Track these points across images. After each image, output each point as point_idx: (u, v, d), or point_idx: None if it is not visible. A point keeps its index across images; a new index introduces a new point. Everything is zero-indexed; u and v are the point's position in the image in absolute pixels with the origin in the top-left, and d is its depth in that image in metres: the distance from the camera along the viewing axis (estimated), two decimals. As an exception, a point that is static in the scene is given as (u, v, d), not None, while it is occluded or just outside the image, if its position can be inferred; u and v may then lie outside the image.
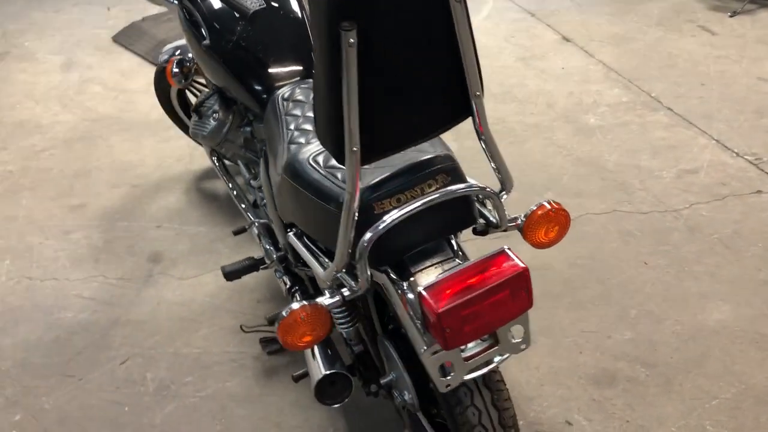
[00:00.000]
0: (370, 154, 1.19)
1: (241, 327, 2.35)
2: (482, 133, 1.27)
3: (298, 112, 1.82)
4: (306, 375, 1.74)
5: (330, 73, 1.06)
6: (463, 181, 1.35)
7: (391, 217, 1.27)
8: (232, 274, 2.15)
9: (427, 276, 1.36)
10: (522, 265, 1.24)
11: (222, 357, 2.32)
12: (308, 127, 1.74)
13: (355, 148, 1.13)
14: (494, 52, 4.26)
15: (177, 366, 2.30)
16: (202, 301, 2.57)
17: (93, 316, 2.54)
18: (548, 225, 1.46)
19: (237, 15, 2.02)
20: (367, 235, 1.26)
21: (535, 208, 1.46)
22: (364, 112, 1.11)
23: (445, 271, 1.30)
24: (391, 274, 1.39)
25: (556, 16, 4.75)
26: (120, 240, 2.92)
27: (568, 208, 1.49)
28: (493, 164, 1.34)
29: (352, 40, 1.03)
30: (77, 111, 3.98)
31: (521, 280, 1.22)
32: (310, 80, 1.94)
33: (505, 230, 1.47)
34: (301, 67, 1.98)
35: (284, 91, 1.90)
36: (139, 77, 4.30)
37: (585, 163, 3.18)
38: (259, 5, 2.03)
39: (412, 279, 1.37)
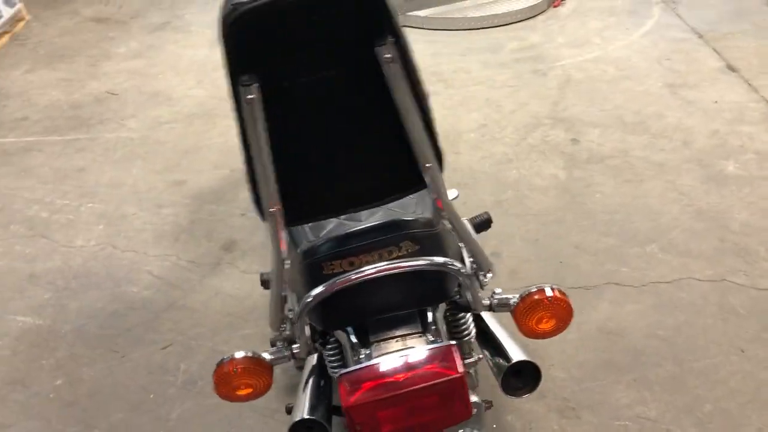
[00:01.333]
0: (297, 216, 1.06)
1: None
2: (443, 211, 1.08)
3: None
4: None
5: (241, 129, 0.95)
6: (436, 252, 1.17)
7: (330, 283, 1.13)
8: (267, 282, 2.10)
9: (386, 347, 1.21)
10: (459, 370, 1.04)
11: (254, 362, 2.28)
12: None
13: (272, 209, 1.01)
14: (640, 74, 3.85)
15: (210, 362, 2.30)
16: (256, 299, 2.55)
17: (154, 295, 2.61)
18: (543, 313, 1.23)
19: None
20: (306, 298, 1.13)
21: (532, 291, 1.24)
22: (284, 174, 0.98)
23: (395, 352, 1.14)
24: (352, 337, 1.25)
25: (728, 39, 4.21)
26: (203, 222, 2.99)
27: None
28: (462, 245, 1.15)
29: (250, 96, 0.90)
30: (209, 88, 4.13)
31: (453, 388, 1.03)
32: None
33: (491, 310, 1.27)
34: None
35: None
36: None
37: (706, 217, 2.78)
38: None
39: (372, 347, 1.22)
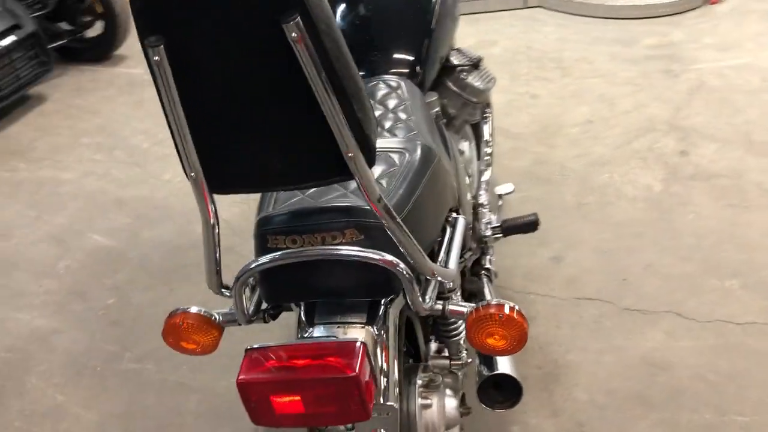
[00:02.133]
0: (221, 184, 1.04)
1: None
2: (369, 203, 1.01)
3: None
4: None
5: (157, 92, 0.94)
6: (382, 246, 1.11)
7: (266, 258, 1.11)
8: None
9: (326, 330, 1.18)
10: (354, 370, 0.99)
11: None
12: None
13: (192, 174, 1.00)
14: (785, 89, 3.43)
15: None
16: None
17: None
18: (495, 329, 1.15)
19: None
20: (242, 270, 1.12)
21: (491, 303, 1.15)
22: (203, 141, 0.96)
23: (324, 336, 1.11)
24: (301, 314, 1.23)
25: None
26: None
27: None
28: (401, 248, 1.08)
29: (155, 58, 0.88)
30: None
31: (346, 387, 0.98)
32: (390, 76, 1.76)
33: (443, 316, 1.19)
34: (386, 60, 1.80)
35: (365, 82, 1.75)
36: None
37: (809, 261, 2.45)
38: None
39: (314, 327, 1.20)
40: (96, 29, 4.23)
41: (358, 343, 1.02)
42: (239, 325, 1.26)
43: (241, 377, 1.00)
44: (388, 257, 1.07)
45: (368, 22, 1.86)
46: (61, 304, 2.46)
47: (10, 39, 3.49)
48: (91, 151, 3.39)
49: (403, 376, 1.44)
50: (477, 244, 1.89)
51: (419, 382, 1.34)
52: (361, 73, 1.76)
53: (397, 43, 1.82)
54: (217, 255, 1.13)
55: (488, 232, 1.96)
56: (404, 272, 1.08)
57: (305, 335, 1.19)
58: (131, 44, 4.34)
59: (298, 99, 0.90)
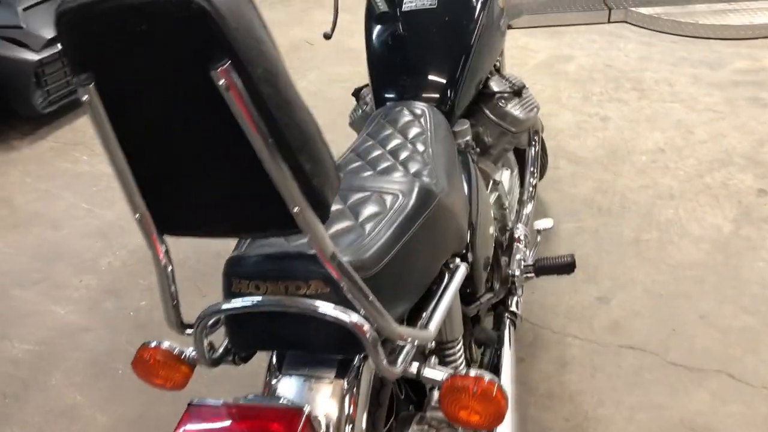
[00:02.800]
0: (170, 226, 0.97)
1: None
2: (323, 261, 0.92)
3: (380, 133, 1.58)
4: None
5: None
6: (346, 301, 1.01)
7: (225, 305, 1.03)
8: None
9: (288, 384, 1.10)
10: None
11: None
12: (370, 155, 1.50)
13: (137, 216, 0.94)
14: None
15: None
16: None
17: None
18: (469, 402, 1.03)
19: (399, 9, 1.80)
20: (203, 312, 1.06)
21: (468, 375, 1.04)
22: (147, 180, 0.90)
23: (268, 400, 1.02)
24: (273, 360, 1.16)
25: None
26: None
27: None
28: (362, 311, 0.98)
29: (85, 97, 0.82)
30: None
31: None
32: (417, 102, 1.66)
33: (418, 379, 1.09)
34: (415, 84, 1.69)
35: (390, 106, 1.66)
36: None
37: None
38: (429, 4, 1.77)
39: (282, 377, 1.12)
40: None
41: (300, 412, 0.93)
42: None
43: (176, 432, 0.93)
44: (350, 316, 0.97)
45: (403, 42, 1.77)
46: (95, 301, 2.50)
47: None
48: (151, 148, 3.45)
49: (398, 425, 1.35)
50: (502, 284, 1.77)
51: None
52: (390, 96, 1.69)
53: (429, 66, 1.72)
54: (173, 294, 1.06)
55: (518, 271, 1.83)
56: (367, 334, 0.98)
57: (273, 383, 1.11)
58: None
59: (238, 149, 0.82)
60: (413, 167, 1.45)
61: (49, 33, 3.43)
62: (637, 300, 2.32)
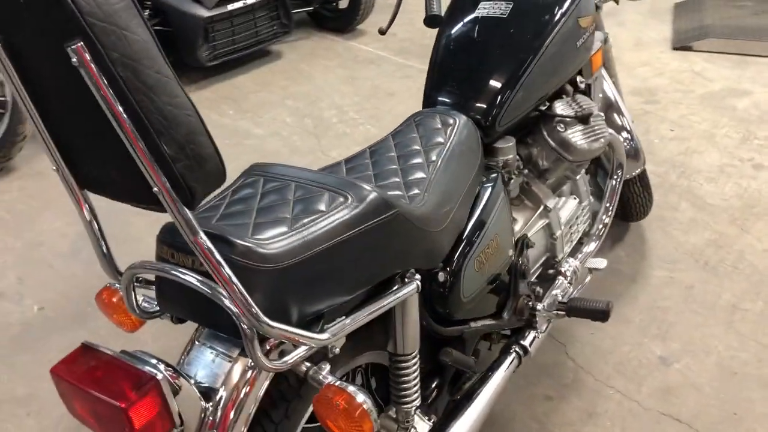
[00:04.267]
0: (85, 183, 1.04)
1: None
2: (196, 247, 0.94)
3: (403, 135, 1.56)
4: None
5: None
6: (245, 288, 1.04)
7: (140, 267, 1.10)
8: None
9: (197, 355, 1.16)
10: (125, 403, 0.94)
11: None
12: (379, 155, 1.50)
13: (53, 167, 1.02)
14: None
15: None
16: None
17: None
18: (332, 413, 1.02)
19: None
20: (128, 267, 1.13)
21: (336, 384, 1.03)
22: (58, 137, 0.98)
23: (139, 359, 1.07)
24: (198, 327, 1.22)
25: None
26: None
27: None
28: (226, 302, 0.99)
29: None
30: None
31: (116, 415, 0.94)
32: (453, 111, 1.61)
33: (303, 381, 1.09)
34: (459, 92, 1.64)
35: (427, 111, 1.63)
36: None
37: None
38: (500, 13, 1.70)
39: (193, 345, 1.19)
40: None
41: (156, 380, 0.98)
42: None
43: (55, 366, 1.03)
44: (226, 302, 0.99)
45: (462, 48, 1.72)
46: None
47: (255, -1, 3.89)
48: (287, 113, 3.65)
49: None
50: (515, 314, 1.69)
51: None
52: (435, 99, 1.66)
53: (479, 77, 1.66)
54: (103, 245, 1.15)
55: (542, 305, 1.74)
56: (243, 321, 1.00)
57: (188, 350, 1.18)
58: (374, 21, 4.54)
59: (107, 123, 0.88)
60: (409, 175, 1.43)
61: (221, -7, 3.76)
62: (704, 371, 2.09)
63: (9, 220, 2.97)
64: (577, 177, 1.94)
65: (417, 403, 1.41)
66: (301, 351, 1.08)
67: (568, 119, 1.73)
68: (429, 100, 1.71)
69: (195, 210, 0.95)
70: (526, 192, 1.81)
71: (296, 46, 4.35)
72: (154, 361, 1.05)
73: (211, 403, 1.12)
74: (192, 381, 1.13)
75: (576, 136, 1.74)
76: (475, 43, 1.71)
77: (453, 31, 1.77)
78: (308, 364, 1.13)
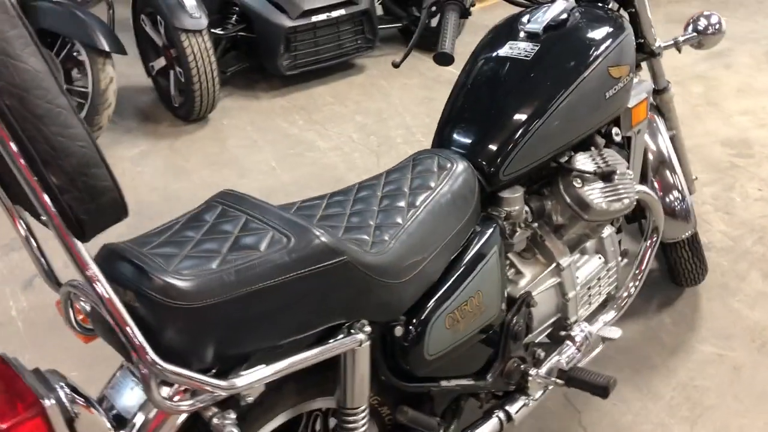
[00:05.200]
0: (13, 199, 1.05)
1: None
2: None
3: (396, 174, 1.49)
4: None
5: None
6: (157, 323, 1.02)
7: (73, 288, 1.09)
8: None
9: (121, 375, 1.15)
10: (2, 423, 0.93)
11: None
12: (361, 193, 1.45)
13: None
14: None
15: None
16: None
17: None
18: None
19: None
20: (65, 284, 1.13)
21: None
22: None
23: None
24: None
25: None
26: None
27: None
28: None
29: None
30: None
31: None
32: (453, 154, 1.52)
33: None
34: (471, 138, 1.56)
35: (427, 152, 1.56)
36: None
37: None
38: (524, 55, 1.60)
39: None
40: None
41: (43, 403, 0.96)
42: None
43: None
44: (124, 337, 0.96)
45: (480, 88, 1.63)
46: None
47: (340, 12, 3.88)
48: (354, 129, 3.63)
49: None
50: (501, 376, 1.57)
51: None
52: (443, 138, 1.57)
53: (491, 121, 1.56)
54: (41, 259, 1.15)
55: (536, 371, 1.61)
56: (138, 362, 0.97)
57: (115, 376, 1.17)
58: (466, 41, 4.44)
59: None
60: (386, 219, 1.35)
61: (307, 4, 3.79)
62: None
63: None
64: (604, 235, 1.78)
65: None
66: (204, 396, 1.04)
67: (587, 175, 1.60)
68: (437, 138, 1.62)
69: (87, 241, 0.93)
70: (539, 246, 1.68)
71: (380, 62, 4.32)
72: (57, 385, 1.03)
73: None
74: (104, 408, 1.11)
75: (594, 194, 1.59)
76: (492, 84, 1.61)
77: (475, 68, 1.68)
78: (215, 409, 1.08)
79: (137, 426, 1.11)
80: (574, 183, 1.60)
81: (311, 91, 4.04)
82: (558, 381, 1.64)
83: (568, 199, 1.61)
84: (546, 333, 1.77)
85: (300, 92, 4.02)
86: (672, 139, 2.19)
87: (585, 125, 1.62)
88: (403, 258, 1.29)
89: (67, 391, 1.03)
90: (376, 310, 1.26)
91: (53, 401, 0.98)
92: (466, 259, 1.44)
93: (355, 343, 1.22)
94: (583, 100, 1.57)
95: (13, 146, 0.84)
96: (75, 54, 3.33)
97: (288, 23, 3.75)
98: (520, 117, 1.54)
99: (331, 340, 1.20)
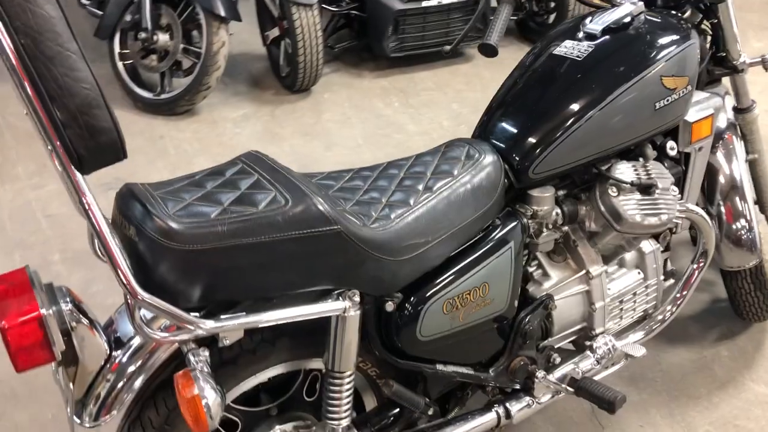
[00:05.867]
0: None
1: None
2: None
3: (426, 157, 1.52)
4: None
5: None
6: (148, 260, 1.13)
7: None
8: None
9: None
10: (5, 323, 1.06)
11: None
12: (386, 171, 1.49)
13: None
14: None
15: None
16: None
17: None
18: (180, 399, 1.06)
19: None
20: None
21: (187, 370, 1.08)
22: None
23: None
24: None
25: None
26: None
27: None
28: None
29: None
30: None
31: None
32: (483, 144, 1.52)
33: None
34: (508, 131, 1.56)
35: (461, 140, 1.56)
36: None
37: None
38: (576, 55, 1.56)
39: None
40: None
41: (41, 311, 1.09)
42: None
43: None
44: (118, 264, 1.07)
45: (529, 83, 1.61)
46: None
47: (452, -1, 3.90)
48: (447, 117, 3.64)
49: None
50: (507, 372, 1.57)
51: None
52: (484, 127, 1.59)
53: (531, 117, 1.55)
54: None
55: (543, 374, 1.60)
56: (125, 287, 1.07)
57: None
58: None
59: None
60: (395, 198, 1.39)
61: (416, -11, 3.83)
62: None
63: (172, 155, 3.36)
64: (646, 250, 1.73)
65: (344, 422, 1.38)
66: (182, 331, 1.14)
67: (624, 185, 1.55)
68: (478, 128, 1.63)
69: (86, 174, 1.03)
70: (571, 251, 1.66)
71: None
72: (63, 299, 1.16)
73: (118, 352, 1.22)
74: (108, 329, 1.24)
75: (629, 205, 1.55)
76: (539, 81, 1.60)
77: (527, 62, 1.66)
78: (193, 345, 1.17)
79: (130, 350, 1.22)
80: (610, 191, 1.56)
81: (414, 75, 4.08)
82: (568, 388, 1.62)
83: (602, 207, 1.57)
84: (570, 339, 1.74)
85: (403, 75, 4.08)
86: (752, 163, 2.06)
87: (628, 134, 1.57)
88: (403, 238, 1.32)
89: (71, 306, 1.16)
90: (368, 283, 1.30)
91: (51, 312, 1.11)
92: (477, 250, 1.45)
93: (339, 310, 1.27)
94: (628, 107, 1.52)
95: (22, 81, 0.96)
96: (196, 16, 3.55)
97: (398, 5, 3.81)
98: (558, 117, 1.52)
99: (318, 303, 1.26)
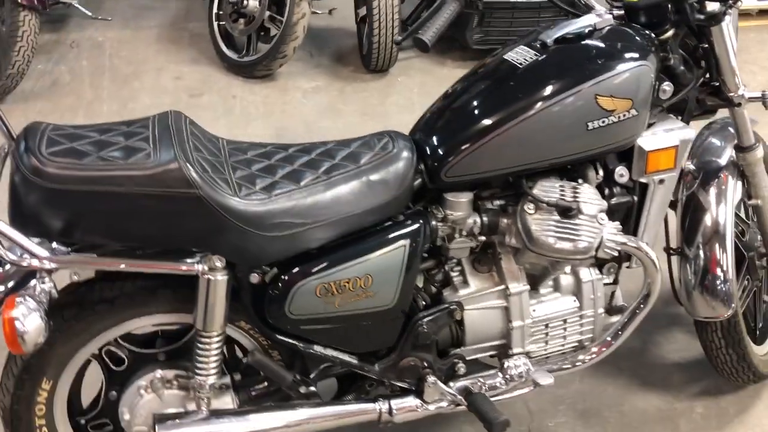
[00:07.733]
0: None
1: None
2: None
3: (335, 149, 1.53)
4: None
5: None
6: None
7: None
8: None
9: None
10: None
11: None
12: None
13: None
14: None
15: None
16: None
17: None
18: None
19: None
20: None
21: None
22: None
23: None
24: None
25: None
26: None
27: None
28: None
29: None
30: None
31: None
32: (404, 143, 1.51)
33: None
34: (431, 131, 1.53)
35: (384, 132, 1.57)
36: None
37: None
38: (520, 62, 1.50)
39: None
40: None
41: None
42: None
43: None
44: None
45: (467, 84, 1.60)
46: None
47: (544, -3, 3.76)
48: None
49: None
50: (400, 373, 1.58)
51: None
52: (416, 126, 1.58)
53: (454, 116, 1.53)
54: None
55: (451, 385, 1.59)
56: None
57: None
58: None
59: None
60: (286, 178, 1.42)
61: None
62: None
63: (236, 115, 3.54)
64: (584, 279, 1.63)
65: (210, 380, 1.45)
66: (31, 258, 1.25)
67: (541, 203, 1.48)
68: (415, 124, 1.62)
69: None
70: (496, 264, 1.61)
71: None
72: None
73: None
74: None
75: (543, 225, 1.47)
76: (477, 83, 1.56)
77: (479, 65, 1.63)
78: (45, 274, 1.28)
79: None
80: (526, 208, 1.49)
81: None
82: (460, 399, 1.59)
83: (519, 223, 1.51)
84: (488, 354, 1.69)
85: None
86: (756, 209, 1.87)
87: (555, 151, 1.48)
88: (276, 215, 1.35)
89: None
90: (232, 251, 1.35)
91: None
92: (364, 242, 1.45)
93: (195, 271, 1.33)
94: (555, 122, 1.45)
95: None
96: (286, -14, 3.69)
97: (485, -1, 3.74)
98: (479, 123, 1.47)
99: (175, 261, 1.33)
